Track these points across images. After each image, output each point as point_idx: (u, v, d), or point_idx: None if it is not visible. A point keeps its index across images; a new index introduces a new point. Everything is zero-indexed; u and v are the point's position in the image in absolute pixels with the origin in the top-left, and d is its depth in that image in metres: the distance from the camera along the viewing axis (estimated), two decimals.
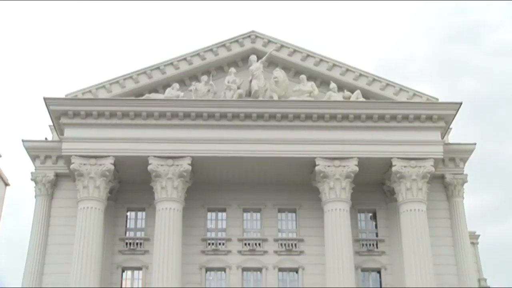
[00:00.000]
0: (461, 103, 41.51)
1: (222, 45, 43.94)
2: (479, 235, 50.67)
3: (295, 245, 42.87)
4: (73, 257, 39.07)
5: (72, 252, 39.32)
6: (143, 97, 42.28)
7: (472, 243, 47.75)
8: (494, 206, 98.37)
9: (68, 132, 41.50)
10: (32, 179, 43.68)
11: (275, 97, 42.46)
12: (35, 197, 43.35)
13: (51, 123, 43.56)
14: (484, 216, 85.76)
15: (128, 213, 43.93)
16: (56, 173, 43.41)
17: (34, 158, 43.98)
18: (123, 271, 42.39)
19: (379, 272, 42.63)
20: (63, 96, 41.86)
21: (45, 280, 41.16)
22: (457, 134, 46.76)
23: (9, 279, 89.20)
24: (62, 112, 41.46)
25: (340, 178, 40.83)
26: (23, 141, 43.47)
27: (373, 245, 43.06)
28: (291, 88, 43.05)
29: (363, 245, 42.99)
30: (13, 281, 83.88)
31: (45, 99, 41.31)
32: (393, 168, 41.05)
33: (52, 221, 42.70)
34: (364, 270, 42.52)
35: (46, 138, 45.35)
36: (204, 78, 43.05)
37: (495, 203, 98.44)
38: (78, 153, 40.85)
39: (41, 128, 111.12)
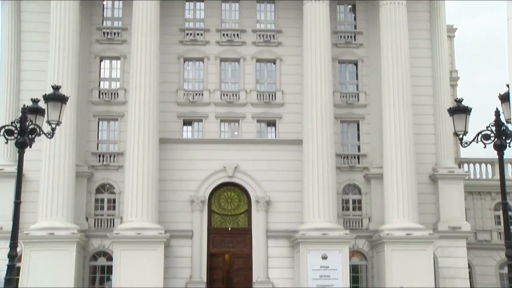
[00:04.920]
0: None
1: None
2: (456, 29, 50.64)
3: (274, 36, 42.79)
4: (50, 47, 38.65)
5: (49, 42, 38.92)
6: None
7: (449, 37, 47.91)
8: None
9: None
10: None
11: None
12: None
13: None
14: (462, 9, 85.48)
15: (105, 2, 43.04)
16: None
17: None
18: (101, 60, 42.40)
19: (355, 64, 43.10)
20: None
21: (23, 68, 41.05)
22: None
23: None
24: None
25: None
26: None
27: (351, 37, 43.09)
28: None
29: (341, 37, 43.01)
30: None
31: None
32: None
33: (24, 17, 41.37)
34: (341, 62, 42.91)
35: None
36: None
37: None
38: None
39: None
